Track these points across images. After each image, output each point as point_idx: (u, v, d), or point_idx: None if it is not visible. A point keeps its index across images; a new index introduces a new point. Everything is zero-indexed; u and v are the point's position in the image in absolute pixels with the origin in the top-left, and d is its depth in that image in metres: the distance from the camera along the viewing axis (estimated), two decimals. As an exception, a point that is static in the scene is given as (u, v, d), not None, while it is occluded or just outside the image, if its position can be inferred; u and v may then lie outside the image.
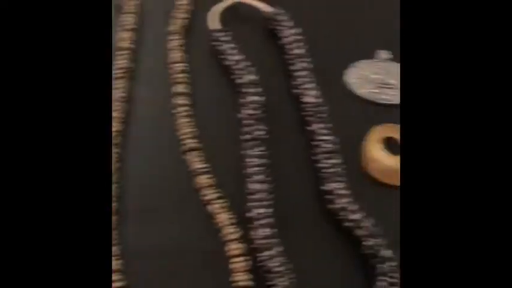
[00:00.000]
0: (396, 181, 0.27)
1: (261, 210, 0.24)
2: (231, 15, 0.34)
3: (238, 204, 0.25)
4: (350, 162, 0.27)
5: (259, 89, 0.29)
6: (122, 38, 0.31)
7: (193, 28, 0.33)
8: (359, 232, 0.24)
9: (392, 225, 0.25)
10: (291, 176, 0.27)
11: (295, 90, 0.30)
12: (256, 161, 0.26)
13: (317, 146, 0.27)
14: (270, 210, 0.24)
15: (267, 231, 0.23)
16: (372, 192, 0.27)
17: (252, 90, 0.29)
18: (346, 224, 0.24)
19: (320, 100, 0.28)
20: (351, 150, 0.28)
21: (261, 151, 0.26)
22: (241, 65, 0.30)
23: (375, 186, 0.27)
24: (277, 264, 0.22)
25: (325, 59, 0.32)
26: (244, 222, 0.24)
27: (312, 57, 0.31)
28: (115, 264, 0.23)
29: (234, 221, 0.24)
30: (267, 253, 0.23)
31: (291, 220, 0.25)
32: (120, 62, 0.29)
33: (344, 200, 0.25)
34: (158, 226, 0.25)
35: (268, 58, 0.32)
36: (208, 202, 0.25)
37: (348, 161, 0.27)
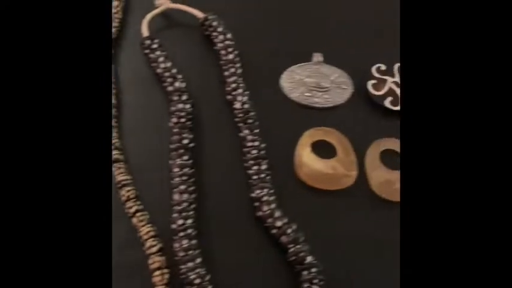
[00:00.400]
0: (325, 185, 0.26)
1: (183, 221, 0.23)
2: (165, 22, 0.33)
3: (163, 216, 0.24)
4: (283, 167, 0.27)
5: (186, 97, 0.28)
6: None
7: (125, 37, 0.32)
8: (284, 239, 0.23)
9: (319, 230, 0.25)
10: (222, 184, 0.27)
11: (227, 96, 0.29)
12: (180, 170, 0.25)
13: (246, 152, 0.27)
14: (191, 221, 0.23)
15: (188, 242, 0.23)
16: (302, 197, 0.26)
17: (179, 98, 0.28)
18: (272, 231, 0.24)
19: (248, 106, 0.28)
20: (284, 155, 0.28)
21: (185, 160, 0.26)
22: (170, 73, 0.29)
23: (305, 191, 0.27)
24: (196, 276, 0.22)
25: (260, 64, 0.32)
26: (168, 234, 0.24)
27: (248, 63, 0.31)
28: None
29: (155, 233, 0.24)
30: (188, 265, 0.22)
31: (219, 229, 0.25)
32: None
33: (270, 207, 0.24)
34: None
35: (203, 64, 0.32)
36: (131, 215, 0.24)
37: (280, 166, 0.27)
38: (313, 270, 0.23)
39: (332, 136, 0.28)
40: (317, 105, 0.30)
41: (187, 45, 0.33)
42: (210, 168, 0.27)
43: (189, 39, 0.33)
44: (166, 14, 0.33)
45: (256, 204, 0.25)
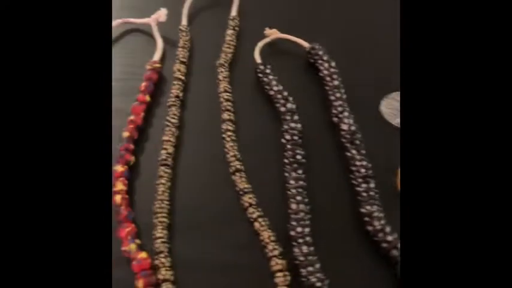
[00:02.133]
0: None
1: (302, 229, 0.26)
2: (272, 50, 0.37)
3: (277, 223, 0.27)
4: (384, 187, 0.29)
5: (297, 117, 0.31)
6: (177, 69, 0.34)
7: (237, 61, 0.36)
8: (394, 253, 0.25)
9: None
10: (329, 198, 0.29)
11: (333, 119, 0.32)
12: (296, 182, 0.28)
13: (355, 170, 0.29)
14: (307, 229, 0.26)
15: (308, 248, 0.25)
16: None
17: (291, 117, 0.31)
18: (383, 245, 0.26)
19: (354, 128, 0.30)
20: (385, 177, 0.30)
21: (299, 174, 0.28)
22: (281, 95, 0.32)
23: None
24: (317, 280, 0.24)
25: (360, 90, 0.34)
26: (283, 240, 0.26)
27: (348, 88, 0.34)
28: (168, 274, 0.25)
29: (274, 238, 0.26)
30: (309, 269, 0.24)
31: (328, 240, 0.27)
32: (174, 91, 0.33)
33: (380, 222, 0.26)
34: (207, 241, 0.27)
35: (307, 89, 0.35)
36: (255, 219, 0.27)
37: (381, 186, 0.29)
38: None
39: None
40: (417, 131, 0.32)
41: (291, 71, 0.36)
42: (317, 183, 0.29)
43: (293, 65, 0.36)
44: (273, 43, 0.37)
45: (367, 219, 0.27)
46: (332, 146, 0.31)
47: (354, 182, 0.28)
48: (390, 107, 0.33)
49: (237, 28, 0.38)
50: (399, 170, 0.29)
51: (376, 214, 0.26)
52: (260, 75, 0.34)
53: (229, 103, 0.32)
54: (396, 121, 0.32)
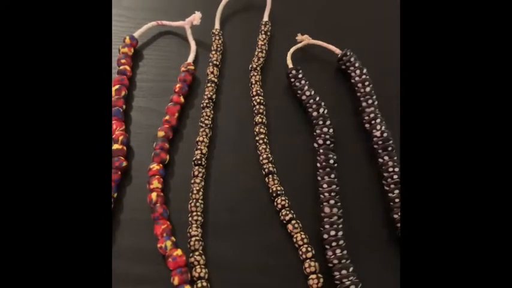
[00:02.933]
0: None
1: (335, 232, 0.26)
2: (303, 55, 0.37)
3: (310, 226, 0.27)
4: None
5: (329, 122, 0.31)
6: (210, 72, 0.35)
7: (269, 66, 0.37)
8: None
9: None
10: (361, 203, 0.29)
11: (366, 125, 0.32)
12: (329, 186, 0.28)
13: (387, 176, 0.29)
14: (340, 233, 0.26)
15: (341, 252, 0.25)
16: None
17: (323, 122, 0.31)
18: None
19: (386, 134, 0.31)
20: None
21: (332, 178, 0.28)
22: (314, 100, 0.33)
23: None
24: (350, 283, 0.24)
25: (391, 97, 0.34)
26: (315, 243, 0.26)
27: (379, 94, 0.34)
28: (203, 272, 0.25)
29: (307, 240, 0.26)
30: (343, 272, 0.24)
31: (360, 244, 0.27)
32: (207, 93, 0.33)
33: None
34: (240, 241, 0.27)
35: (338, 94, 0.35)
36: (288, 222, 0.27)
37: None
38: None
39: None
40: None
41: (322, 76, 0.36)
42: (349, 188, 0.30)
43: (324, 71, 0.36)
44: (304, 48, 0.37)
45: (399, 225, 0.27)
46: (363, 151, 0.31)
47: (386, 188, 0.29)
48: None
49: (268, 33, 0.38)
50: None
51: (409, 220, 0.27)
52: (292, 79, 0.34)
53: (261, 106, 0.33)
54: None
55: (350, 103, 0.34)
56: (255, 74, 0.35)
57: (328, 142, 0.30)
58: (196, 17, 0.37)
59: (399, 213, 0.27)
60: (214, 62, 0.35)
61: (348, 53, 0.35)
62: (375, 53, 0.37)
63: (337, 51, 0.36)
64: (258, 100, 0.33)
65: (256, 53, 0.36)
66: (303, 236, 0.26)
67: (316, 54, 0.37)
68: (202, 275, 0.25)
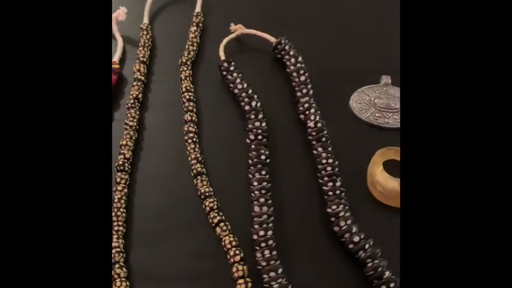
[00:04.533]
0: (398, 203, 0.27)
1: (262, 233, 0.24)
2: (238, 46, 0.36)
3: (242, 226, 0.26)
4: (353, 185, 0.28)
5: (262, 116, 0.30)
6: (137, 69, 0.33)
7: (202, 59, 0.35)
8: (362, 254, 0.24)
9: (394, 246, 0.25)
10: (296, 199, 0.28)
11: (300, 116, 0.31)
12: (260, 184, 0.26)
13: (322, 169, 0.28)
14: (270, 232, 0.25)
15: (270, 253, 0.24)
16: (374, 214, 0.27)
17: (255, 116, 0.30)
18: (349, 246, 0.24)
19: (320, 125, 0.29)
20: (355, 174, 0.28)
21: (263, 175, 0.27)
22: (246, 93, 0.31)
23: (377, 209, 0.27)
24: (279, 285, 0.23)
25: (330, 85, 0.33)
26: (246, 245, 0.25)
27: (318, 84, 0.33)
28: (123, 286, 0.23)
29: (236, 243, 0.25)
30: (271, 274, 0.23)
31: (294, 242, 0.26)
32: (133, 92, 0.31)
33: (346, 222, 0.25)
34: (167, 249, 0.25)
35: (275, 85, 0.33)
36: (216, 224, 0.26)
37: (351, 184, 0.28)
38: (392, 285, 0.23)
39: (404, 156, 0.29)
40: (388, 126, 0.31)
41: (258, 67, 0.34)
42: (284, 183, 0.28)
43: (261, 62, 0.35)
44: (239, 39, 0.36)
45: (333, 219, 0.25)
46: (300, 144, 0.30)
47: (320, 181, 0.27)
48: (360, 102, 0.32)
49: (201, 25, 0.37)
50: (369, 168, 0.28)
51: (342, 214, 0.25)
52: (224, 72, 0.32)
53: (191, 103, 0.31)
54: (365, 115, 0.31)
55: (288, 94, 0.33)
56: (185, 69, 0.33)
57: (260, 137, 0.29)
58: (121, 13, 0.35)
59: (332, 207, 0.26)
60: (142, 59, 0.33)
61: (283, 41, 0.34)
62: (311, 40, 0.36)
63: (272, 39, 0.34)
64: (188, 97, 0.31)
65: (186, 46, 0.35)
66: (232, 239, 0.25)
67: (253, 44, 0.36)
68: (123, 289, 0.23)
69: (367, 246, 0.24)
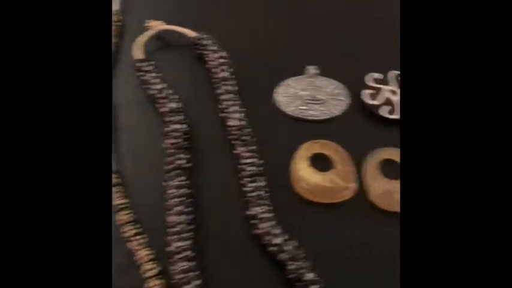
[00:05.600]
0: (324, 199, 0.26)
1: (180, 243, 0.23)
2: (158, 44, 0.34)
3: (160, 238, 0.24)
4: (280, 183, 0.27)
5: (181, 117, 0.28)
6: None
7: (120, 60, 0.33)
8: (282, 256, 0.23)
9: (321, 244, 0.24)
10: (219, 203, 0.26)
11: (221, 114, 0.29)
12: (176, 191, 0.25)
13: (242, 169, 0.26)
14: (188, 242, 0.23)
15: (185, 264, 0.22)
16: (300, 212, 0.26)
17: (173, 118, 0.28)
18: (270, 248, 0.23)
19: (243, 122, 0.28)
20: (281, 171, 0.27)
21: (181, 181, 0.25)
22: (163, 94, 0.29)
23: (304, 206, 0.26)
24: (194, 299, 0.21)
25: (254, 79, 0.32)
26: (165, 257, 0.23)
27: (241, 79, 0.31)
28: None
29: (153, 256, 0.23)
30: (185, 287, 0.22)
31: (217, 249, 0.24)
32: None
33: (267, 224, 0.24)
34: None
35: (197, 83, 0.32)
36: (128, 239, 0.24)
37: (277, 182, 0.27)
38: (314, 287, 0.22)
39: (329, 148, 0.28)
40: (313, 118, 0.30)
41: (181, 65, 0.33)
42: (207, 187, 0.27)
43: (184, 59, 0.33)
44: (160, 36, 0.34)
45: (254, 221, 0.24)
46: (225, 144, 0.29)
47: (241, 182, 0.26)
48: (286, 95, 0.31)
49: (119, 23, 0.34)
50: (293, 163, 0.27)
51: (263, 215, 0.24)
52: (140, 73, 0.31)
53: (105, 109, 0.29)
54: (290, 109, 0.30)
55: (210, 92, 0.31)
56: (100, 72, 0.31)
57: (179, 140, 0.27)
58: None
59: (253, 209, 0.25)
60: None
61: (203, 36, 0.32)
62: (236, 35, 0.34)
63: (193, 34, 0.33)
64: (101, 102, 0.29)
65: (101, 47, 0.32)
66: (148, 252, 0.23)
67: (176, 42, 0.34)
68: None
69: (287, 247, 0.23)
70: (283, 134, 0.29)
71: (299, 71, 0.32)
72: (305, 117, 0.30)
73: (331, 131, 0.29)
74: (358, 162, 0.28)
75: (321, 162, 0.28)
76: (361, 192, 0.27)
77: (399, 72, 0.31)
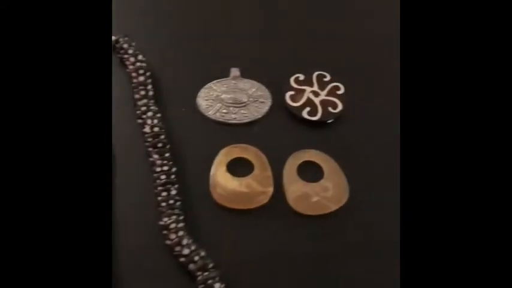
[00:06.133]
0: (241, 205, 0.26)
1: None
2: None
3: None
4: (198, 190, 0.26)
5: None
6: None
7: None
8: (192, 267, 0.22)
9: (234, 252, 0.24)
10: (133, 214, 0.25)
11: (138, 120, 0.28)
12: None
13: (156, 178, 0.26)
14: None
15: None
16: (217, 220, 0.25)
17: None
18: (180, 259, 0.23)
19: (157, 129, 0.27)
20: (200, 177, 0.27)
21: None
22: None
23: (220, 213, 0.26)
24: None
25: (177, 83, 0.31)
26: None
27: (165, 84, 0.30)
28: None
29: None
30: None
31: (129, 260, 0.24)
32: None
33: (177, 234, 0.23)
34: None
35: (119, 88, 0.31)
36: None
37: (195, 189, 0.26)
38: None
39: (248, 153, 0.27)
40: (234, 122, 0.29)
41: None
42: (125, 197, 0.26)
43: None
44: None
45: (165, 232, 0.24)
46: (140, 151, 0.28)
47: (155, 191, 0.25)
48: (207, 98, 0.30)
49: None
50: (213, 170, 0.27)
51: (173, 226, 0.24)
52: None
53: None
54: (212, 112, 0.29)
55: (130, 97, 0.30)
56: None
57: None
58: None
59: (163, 219, 0.24)
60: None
61: (121, 39, 0.31)
62: (153, 37, 0.33)
63: (111, 38, 0.31)
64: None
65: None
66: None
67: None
68: None
69: (196, 258, 0.22)
70: (203, 139, 0.29)
71: (224, 74, 0.31)
72: (226, 121, 0.29)
73: (253, 134, 0.29)
74: (278, 166, 0.27)
75: (240, 168, 0.27)
76: (279, 196, 0.26)
77: (322, 73, 0.31)
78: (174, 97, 0.30)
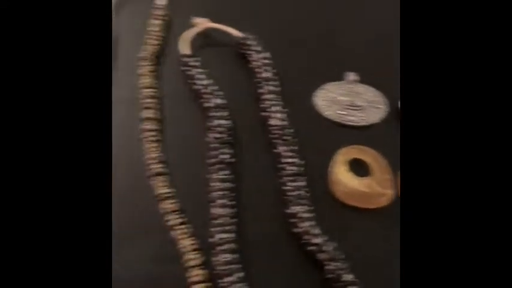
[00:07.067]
0: (361, 203, 0.27)
1: (223, 235, 0.24)
2: (203, 41, 0.35)
3: (203, 229, 0.25)
4: (317, 185, 0.28)
5: (226, 113, 0.29)
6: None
7: (165, 54, 0.34)
8: (321, 256, 0.24)
9: (356, 248, 0.25)
10: (258, 200, 0.27)
11: (262, 113, 0.30)
12: (220, 184, 0.26)
13: (282, 168, 0.27)
14: (232, 235, 0.24)
15: (228, 256, 0.23)
16: (337, 215, 0.27)
17: (218, 114, 0.29)
18: (309, 247, 0.24)
19: (285, 123, 0.29)
20: (318, 172, 0.28)
21: (225, 175, 0.26)
22: (209, 89, 0.30)
23: (340, 209, 0.27)
24: (237, 290, 0.22)
25: (294, 81, 0.32)
26: (208, 248, 0.24)
27: (281, 80, 0.32)
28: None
29: (196, 246, 0.24)
30: (227, 279, 0.23)
31: (255, 244, 0.25)
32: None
33: (307, 224, 0.25)
34: (123, 251, 0.25)
35: (239, 82, 0.32)
36: (172, 228, 0.25)
37: (314, 183, 0.28)
38: (352, 288, 0.23)
39: (367, 154, 0.29)
40: (351, 123, 0.30)
41: (225, 63, 0.34)
42: (247, 184, 0.28)
43: (227, 57, 0.34)
44: (205, 33, 0.35)
45: (293, 220, 0.25)
46: (263, 142, 0.29)
47: (281, 180, 0.27)
48: (324, 99, 0.32)
49: (166, 18, 0.35)
50: (331, 167, 0.28)
51: (303, 215, 0.25)
52: (184, 68, 0.31)
53: (150, 100, 0.30)
54: (329, 113, 0.31)
55: (254, 91, 0.32)
56: (146, 64, 0.32)
57: (223, 135, 0.28)
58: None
59: (292, 208, 0.25)
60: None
61: (248, 37, 0.33)
62: (280, 37, 0.35)
63: (238, 34, 0.33)
64: (147, 93, 0.30)
65: (147, 40, 0.33)
66: (191, 242, 0.24)
67: (221, 39, 0.35)
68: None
69: (326, 248, 0.24)
70: (321, 137, 0.30)
71: (339, 77, 0.33)
72: (343, 122, 0.30)
73: (369, 137, 0.30)
74: (395, 171, 0.28)
75: (357, 168, 0.28)
76: (398, 199, 0.27)
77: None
78: (291, 95, 0.32)
